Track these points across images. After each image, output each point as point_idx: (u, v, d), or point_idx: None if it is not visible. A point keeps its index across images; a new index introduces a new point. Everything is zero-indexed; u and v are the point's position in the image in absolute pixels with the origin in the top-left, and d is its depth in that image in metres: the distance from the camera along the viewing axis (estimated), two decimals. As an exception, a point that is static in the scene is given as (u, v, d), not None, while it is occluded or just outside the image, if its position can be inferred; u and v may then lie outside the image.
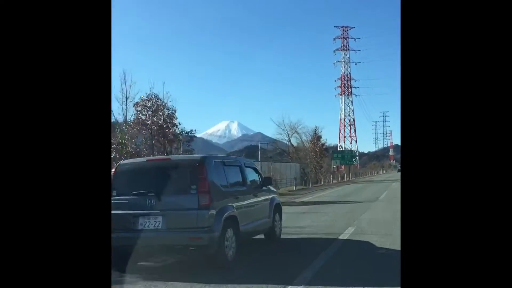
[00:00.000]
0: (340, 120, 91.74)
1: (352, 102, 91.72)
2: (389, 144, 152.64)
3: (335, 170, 47.44)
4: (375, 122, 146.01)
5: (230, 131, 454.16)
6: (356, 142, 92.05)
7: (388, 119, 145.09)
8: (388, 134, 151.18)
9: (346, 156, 48.83)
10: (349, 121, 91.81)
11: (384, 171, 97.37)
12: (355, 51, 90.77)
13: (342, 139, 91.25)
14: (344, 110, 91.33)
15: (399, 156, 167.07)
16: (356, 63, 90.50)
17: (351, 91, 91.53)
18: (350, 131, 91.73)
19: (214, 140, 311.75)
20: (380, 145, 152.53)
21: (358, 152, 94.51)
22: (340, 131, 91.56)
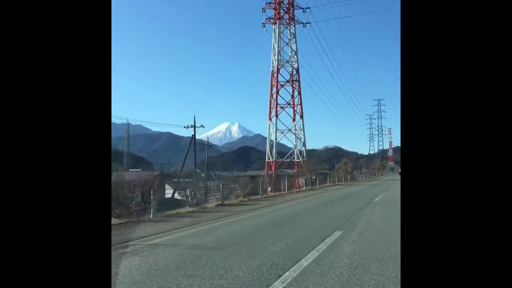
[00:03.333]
0: (272, 72, 46.25)
1: (295, 37, 46.43)
2: (387, 145, 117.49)
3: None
4: (369, 115, 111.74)
5: (230, 132, 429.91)
6: (302, 117, 46.30)
7: (384, 108, 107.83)
8: (386, 131, 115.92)
9: None
10: (291, 73, 46.33)
11: (358, 179, 50.83)
12: None
13: (274, 108, 45.72)
14: (278, 51, 46.12)
15: (399, 158, 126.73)
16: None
17: (293, 14, 46.43)
18: (292, 94, 46.12)
19: (214, 141, 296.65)
20: (380, 145, 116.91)
21: (305, 139, 48.88)
22: (271, 93, 46.17)
